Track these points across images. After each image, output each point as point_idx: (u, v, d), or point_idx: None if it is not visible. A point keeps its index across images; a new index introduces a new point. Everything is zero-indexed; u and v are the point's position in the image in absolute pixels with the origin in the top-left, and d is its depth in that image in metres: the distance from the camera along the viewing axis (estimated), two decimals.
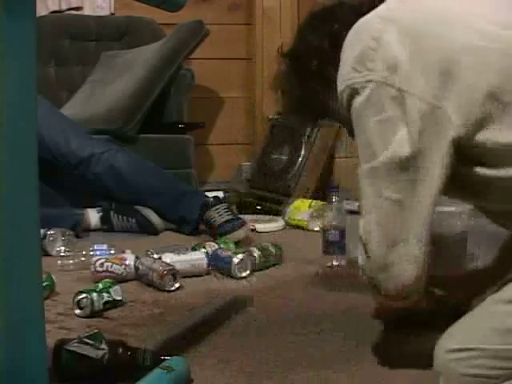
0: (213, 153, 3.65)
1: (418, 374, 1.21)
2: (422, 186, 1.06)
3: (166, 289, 1.70)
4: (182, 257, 1.85)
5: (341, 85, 1.12)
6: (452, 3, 1.13)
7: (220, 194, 2.73)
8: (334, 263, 1.90)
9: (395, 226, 1.09)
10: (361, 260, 1.17)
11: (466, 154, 1.06)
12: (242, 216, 2.34)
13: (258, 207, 2.76)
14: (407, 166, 1.06)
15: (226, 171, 3.58)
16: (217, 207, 2.31)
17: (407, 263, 1.09)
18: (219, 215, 2.27)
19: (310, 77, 1.20)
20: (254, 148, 3.56)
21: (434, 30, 1.08)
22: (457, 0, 1.14)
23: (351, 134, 1.16)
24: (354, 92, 1.09)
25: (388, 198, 1.08)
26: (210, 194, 2.48)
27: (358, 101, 1.09)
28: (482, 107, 1.02)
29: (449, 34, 1.07)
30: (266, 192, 2.99)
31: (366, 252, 1.12)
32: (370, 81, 1.07)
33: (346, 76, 1.11)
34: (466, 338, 1.04)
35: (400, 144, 1.05)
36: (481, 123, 1.03)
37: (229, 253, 1.90)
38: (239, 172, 3.58)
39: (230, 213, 2.29)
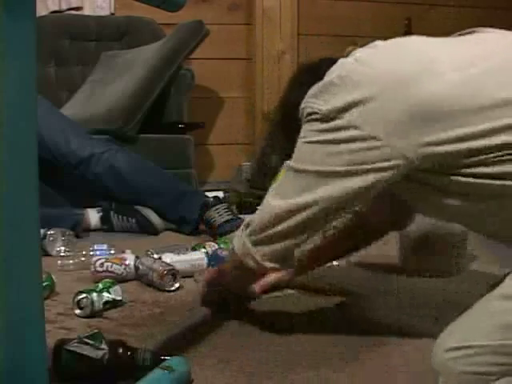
0: (213, 153, 3.65)
1: (417, 373, 1.21)
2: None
3: (166, 289, 1.70)
4: (182, 257, 1.85)
5: (302, 103, 1.20)
6: (427, 47, 1.17)
7: (220, 194, 2.73)
8: (334, 263, 1.90)
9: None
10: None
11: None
12: (242, 216, 2.34)
13: (258, 207, 2.76)
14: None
15: (226, 171, 3.58)
16: (217, 207, 2.31)
17: None
18: (219, 215, 2.27)
19: (298, 133, 1.25)
20: (253, 148, 3.56)
21: (406, 74, 1.11)
22: (432, 45, 1.18)
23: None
24: (307, 112, 1.18)
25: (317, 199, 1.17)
26: (210, 194, 2.48)
27: (307, 121, 1.18)
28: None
29: (419, 82, 1.09)
30: (266, 192, 2.98)
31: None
32: (320, 110, 1.14)
33: (306, 98, 1.18)
34: (464, 335, 1.04)
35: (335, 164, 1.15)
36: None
37: None
38: (239, 172, 3.58)
39: (230, 213, 2.29)
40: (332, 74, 1.17)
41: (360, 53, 1.19)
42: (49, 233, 2.09)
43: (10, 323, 0.81)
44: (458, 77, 1.09)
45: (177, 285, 1.72)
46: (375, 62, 1.16)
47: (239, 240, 1.33)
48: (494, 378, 1.00)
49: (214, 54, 3.53)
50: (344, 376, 1.21)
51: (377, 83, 1.11)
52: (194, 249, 1.97)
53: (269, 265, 1.29)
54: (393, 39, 1.20)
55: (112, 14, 3.49)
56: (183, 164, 2.94)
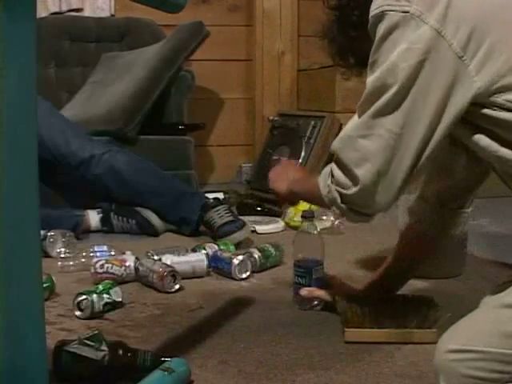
0: (213, 154, 3.65)
1: (417, 373, 1.21)
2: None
3: (166, 290, 1.70)
4: (182, 258, 1.85)
5: (375, 9, 1.13)
6: None
7: (220, 196, 2.73)
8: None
9: (391, 159, 1.14)
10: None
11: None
12: (242, 217, 2.33)
13: (258, 208, 2.76)
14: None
15: (226, 172, 3.58)
16: (217, 208, 2.30)
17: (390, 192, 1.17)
18: (219, 216, 2.27)
19: (352, 26, 1.25)
20: (254, 149, 3.56)
21: None
22: None
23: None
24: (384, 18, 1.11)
25: (391, 131, 1.12)
26: (210, 196, 2.48)
27: (386, 27, 1.10)
28: (502, 65, 1.06)
29: None
30: (266, 193, 2.98)
31: (351, 179, 1.17)
32: (406, 12, 1.08)
33: (383, 2, 1.11)
34: (467, 339, 1.04)
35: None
36: (498, 83, 1.06)
37: (229, 254, 1.90)
38: (239, 173, 3.58)
39: (230, 214, 2.29)
40: None
41: None
42: (49, 234, 2.09)
43: (10, 324, 0.81)
44: None
45: (177, 286, 1.72)
46: None
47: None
48: None
49: (214, 55, 3.53)
50: (345, 377, 1.21)
51: None
52: (194, 250, 1.97)
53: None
54: None
55: (112, 15, 3.49)
56: (183, 165, 2.94)
